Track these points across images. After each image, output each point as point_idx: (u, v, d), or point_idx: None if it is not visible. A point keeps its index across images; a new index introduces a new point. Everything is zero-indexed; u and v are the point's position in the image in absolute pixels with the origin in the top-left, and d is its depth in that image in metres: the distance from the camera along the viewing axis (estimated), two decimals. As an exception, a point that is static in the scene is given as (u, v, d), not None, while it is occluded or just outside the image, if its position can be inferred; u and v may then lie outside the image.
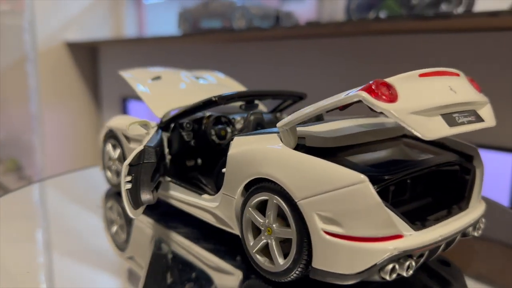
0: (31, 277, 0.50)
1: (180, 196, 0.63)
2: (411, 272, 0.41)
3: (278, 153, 0.47)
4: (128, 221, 0.69)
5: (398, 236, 0.40)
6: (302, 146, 0.48)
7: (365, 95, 0.40)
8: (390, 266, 0.40)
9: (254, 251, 0.49)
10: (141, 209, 0.58)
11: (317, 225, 0.42)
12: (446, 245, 0.46)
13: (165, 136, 0.67)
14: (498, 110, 1.04)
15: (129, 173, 0.56)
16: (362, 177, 0.40)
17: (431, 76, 0.43)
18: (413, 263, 0.41)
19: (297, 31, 1.30)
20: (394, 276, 0.40)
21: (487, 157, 1.10)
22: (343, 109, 0.42)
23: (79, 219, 0.72)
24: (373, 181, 0.40)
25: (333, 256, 0.41)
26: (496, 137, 1.04)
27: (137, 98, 2.18)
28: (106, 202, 0.79)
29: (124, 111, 2.28)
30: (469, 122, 0.43)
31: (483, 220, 0.51)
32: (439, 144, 0.54)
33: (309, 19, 1.70)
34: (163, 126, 0.67)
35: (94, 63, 2.38)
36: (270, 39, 1.54)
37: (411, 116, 0.39)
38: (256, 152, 0.49)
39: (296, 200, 0.43)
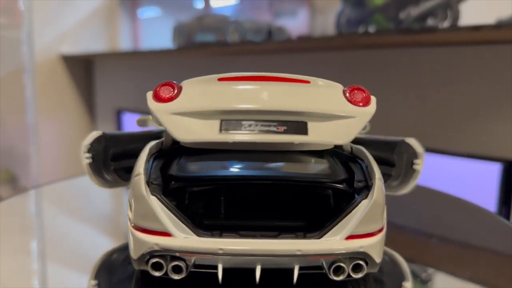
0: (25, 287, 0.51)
1: None
2: (177, 276, 0.40)
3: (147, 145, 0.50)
4: (124, 228, 0.70)
5: (165, 234, 0.40)
6: (178, 143, 0.49)
7: (148, 95, 0.41)
8: (154, 260, 0.40)
9: None
10: (111, 184, 0.60)
11: (128, 210, 0.44)
12: (281, 272, 0.42)
13: None
14: (484, 121, 1.08)
15: (88, 151, 0.59)
16: (140, 170, 0.41)
17: (233, 80, 0.41)
18: (183, 267, 0.40)
19: (289, 45, 1.33)
20: (158, 273, 0.41)
21: (474, 166, 1.13)
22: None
23: (73, 227, 0.73)
24: (164, 179, 0.43)
25: (129, 240, 0.43)
26: (483, 147, 1.07)
27: (132, 110, 2.20)
28: (101, 210, 0.80)
29: (118, 123, 2.29)
30: (264, 132, 0.39)
31: (363, 266, 0.42)
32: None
33: (301, 33, 1.74)
34: None
35: (89, 75, 2.40)
36: (262, 52, 1.58)
37: (172, 116, 0.39)
38: None
39: None
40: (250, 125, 0.39)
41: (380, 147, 0.64)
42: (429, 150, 1.15)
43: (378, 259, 0.42)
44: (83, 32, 2.32)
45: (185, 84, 0.42)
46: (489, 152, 1.06)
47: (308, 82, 0.42)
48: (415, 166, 0.58)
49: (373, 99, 0.42)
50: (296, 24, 2.02)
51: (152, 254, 0.41)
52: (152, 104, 0.41)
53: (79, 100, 2.36)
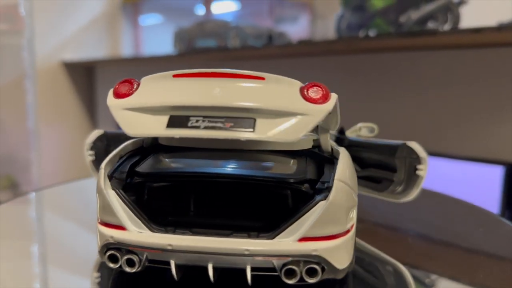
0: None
1: None
2: (128, 269, 0.41)
3: None
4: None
5: (120, 227, 0.41)
6: (157, 143, 0.52)
7: (109, 91, 0.42)
8: (110, 252, 0.41)
9: None
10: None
11: None
12: (237, 273, 0.41)
13: None
14: (486, 124, 1.07)
15: (91, 149, 0.62)
16: (102, 165, 0.43)
17: (187, 77, 0.42)
18: (135, 261, 0.41)
19: (290, 50, 1.33)
20: (113, 265, 0.42)
21: (476, 169, 1.13)
22: None
23: (74, 229, 0.72)
24: (122, 173, 0.44)
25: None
26: (485, 150, 1.07)
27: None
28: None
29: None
30: (209, 128, 0.39)
31: (318, 270, 0.40)
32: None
33: (302, 38, 1.74)
34: None
35: (90, 82, 2.41)
36: (263, 58, 1.58)
37: (125, 112, 0.41)
38: None
39: None
40: (197, 121, 0.39)
41: (381, 151, 0.63)
42: (431, 153, 1.14)
43: (339, 264, 0.41)
44: (85, 38, 2.33)
45: (143, 80, 0.43)
46: (492, 155, 1.05)
47: (263, 78, 0.42)
48: (418, 172, 0.57)
49: (332, 96, 0.41)
50: (297, 29, 2.03)
51: (108, 246, 0.41)
52: (109, 100, 0.42)
53: (80, 106, 2.36)
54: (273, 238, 0.40)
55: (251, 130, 0.39)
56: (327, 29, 1.72)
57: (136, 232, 0.41)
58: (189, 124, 0.39)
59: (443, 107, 1.14)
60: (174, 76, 0.42)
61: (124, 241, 0.41)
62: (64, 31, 2.25)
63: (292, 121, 0.39)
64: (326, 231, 0.40)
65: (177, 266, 0.41)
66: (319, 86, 0.41)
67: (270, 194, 0.42)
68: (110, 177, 0.44)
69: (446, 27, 1.07)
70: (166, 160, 0.47)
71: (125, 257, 0.41)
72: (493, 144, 1.05)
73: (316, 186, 0.41)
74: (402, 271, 0.52)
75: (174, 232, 0.41)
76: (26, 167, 2.12)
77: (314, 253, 0.39)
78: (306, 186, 0.41)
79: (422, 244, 0.64)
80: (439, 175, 1.10)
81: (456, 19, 1.07)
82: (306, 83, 0.41)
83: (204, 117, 0.39)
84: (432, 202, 0.81)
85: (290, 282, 0.39)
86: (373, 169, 0.65)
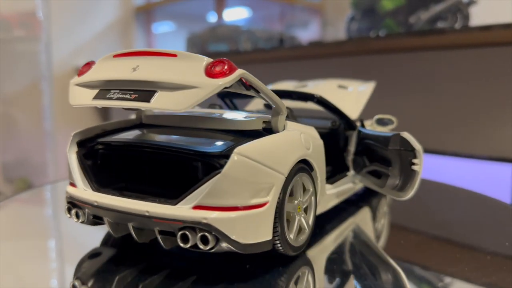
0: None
1: None
2: (75, 219, 0.49)
3: None
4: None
5: (73, 185, 0.50)
6: (141, 121, 0.60)
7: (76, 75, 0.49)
8: (66, 206, 0.50)
9: None
10: None
11: None
12: (140, 231, 0.47)
13: None
14: (495, 123, 1.07)
15: None
16: (72, 133, 0.51)
17: (123, 56, 0.47)
18: (80, 214, 0.49)
19: (301, 51, 1.35)
20: (69, 215, 0.50)
21: (488, 167, 1.12)
22: None
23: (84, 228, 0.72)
24: (90, 142, 0.53)
25: None
26: (495, 148, 1.07)
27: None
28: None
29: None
30: (119, 99, 0.44)
31: (209, 238, 0.42)
32: None
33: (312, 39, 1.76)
34: None
35: (104, 88, 2.44)
36: (274, 60, 1.60)
37: (74, 87, 0.48)
38: None
39: None
40: (114, 93, 0.45)
41: (379, 143, 0.63)
42: (440, 152, 1.14)
43: (240, 238, 0.43)
44: (99, 45, 2.38)
45: (97, 61, 0.49)
46: (503, 153, 1.05)
47: (174, 55, 0.45)
48: (414, 167, 0.57)
49: (235, 73, 0.43)
50: (307, 34, 2.05)
51: (67, 200, 0.50)
52: (73, 79, 0.49)
53: (94, 110, 2.40)
54: (175, 204, 0.44)
55: (149, 101, 0.43)
56: (338, 34, 1.74)
57: (82, 190, 0.49)
58: (107, 96, 0.45)
59: (452, 106, 1.14)
60: (114, 56, 0.48)
61: (72, 196, 0.49)
62: (79, 38, 2.30)
63: (185, 93, 0.42)
64: (219, 202, 0.43)
65: (111, 223, 0.47)
66: (223, 63, 0.43)
67: (188, 165, 0.47)
68: (80, 144, 0.52)
69: (456, 27, 1.08)
70: (129, 134, 0.54)
71: (74, 210, 0.49)
72: (504, 143, 1.05)
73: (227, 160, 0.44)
74: (402, 281, 0.49)
75: (105, 192, 0.48)
76: (41, 170, 2.15)
77: (204, 221, 0.42)
78: (222, 160, 0.45)
79: (435, 242, 0.61)
80: (450, 174, 1.10)
81: (466, 19, 1.08)
82: (215, 59, 0.44)
83: (120, 90, 0.45)
84: (446, 197, 0.80)
85: (185, 246, 0.43)
86: (377, 164, 0.65)
